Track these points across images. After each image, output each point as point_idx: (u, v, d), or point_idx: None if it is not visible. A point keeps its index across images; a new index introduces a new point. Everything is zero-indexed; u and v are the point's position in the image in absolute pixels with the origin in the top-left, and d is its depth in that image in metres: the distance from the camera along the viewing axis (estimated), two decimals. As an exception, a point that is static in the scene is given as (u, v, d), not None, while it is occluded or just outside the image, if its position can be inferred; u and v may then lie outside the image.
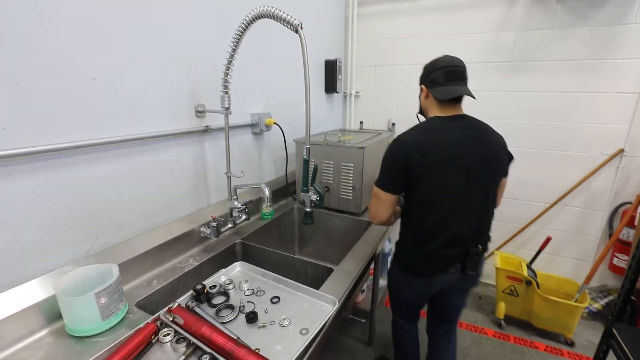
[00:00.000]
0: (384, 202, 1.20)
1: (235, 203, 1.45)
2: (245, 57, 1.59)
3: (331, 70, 2.37)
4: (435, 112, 1.22)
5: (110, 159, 1.07)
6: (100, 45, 0.99)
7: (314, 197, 1.16)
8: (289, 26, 1.05)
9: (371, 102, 2.73)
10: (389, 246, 2.39)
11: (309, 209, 1.18)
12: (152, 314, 0.93)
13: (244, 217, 1.53)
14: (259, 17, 1.09)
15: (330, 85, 2.41)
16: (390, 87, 2.63)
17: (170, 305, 0.91)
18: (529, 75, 2.20)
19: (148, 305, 1.06)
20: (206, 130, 1.41)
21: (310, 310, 0.97)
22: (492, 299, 2.48)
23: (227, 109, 1.32)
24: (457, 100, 1.21)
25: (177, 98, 1.28)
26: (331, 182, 1.79)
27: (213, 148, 1.50)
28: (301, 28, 1.04)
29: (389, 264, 2.39)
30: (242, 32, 1.15)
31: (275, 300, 1.02)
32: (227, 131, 1.37)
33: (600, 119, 2.10)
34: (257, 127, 1.70)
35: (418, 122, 1.26)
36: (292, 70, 2.02)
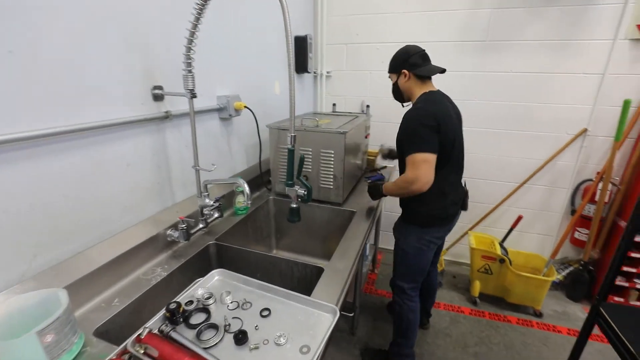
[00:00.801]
0: (432, 164, 1.32)
1: (207, 200, 1.28)
2: (210, 31, 1.37)
3: (302, 47, 2.19)
4: (418, 89, 1.45)
5: (45, 156, 0.85)
6: (17, 4, 0.75)
7: (301, 191, 1.03)
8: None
9: (343, 82, 2.59)
10: (367, 232, 2.33)
11: (294, 205, 1.05)
12: (117, 344, 0.76)
13: (216, 214, 1.36)
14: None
15: (301, 65, 2.23)
16: (362, 66, 2.50)
17: (139, 333, 0.75)
18: (502, 55, 2.19)
19: (110, 331, 0.88)
20: (166, 117, 1.20)
21: (307, 322, 0.86)
22: (466, 277, 2.55)
23: (191, 91, 1.12)
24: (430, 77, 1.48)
25: (128, 78, 1.06)
26: (310, 170, 1.66)
27: (176, 137, 1.29)
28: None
29: (367, 251, 2.35)
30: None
31: (265, 313, 0.89)
32: (192, 118, 1.17)
33: (568, 99, 2.16)
34: (226, 112, 1.51)
35: (403, 106, 1.56)
36: (261, 47, 1.82)
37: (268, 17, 1.85)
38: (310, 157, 1.63)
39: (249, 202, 1.13)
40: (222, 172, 1.61)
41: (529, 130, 2.28)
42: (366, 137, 2.09)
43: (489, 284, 2.27)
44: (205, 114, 1.45)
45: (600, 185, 2.10)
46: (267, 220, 1.80)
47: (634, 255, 2.01)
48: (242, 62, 1.67)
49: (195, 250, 1.25)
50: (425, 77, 1.44)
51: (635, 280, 2.09)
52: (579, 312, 2.24)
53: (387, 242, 2.94)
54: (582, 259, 2.28)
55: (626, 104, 1.90)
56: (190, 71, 1.10)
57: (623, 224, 2.12)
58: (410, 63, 1.43)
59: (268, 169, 1.78)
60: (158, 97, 1.18)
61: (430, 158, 1.31)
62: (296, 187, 1.03)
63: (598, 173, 2.17)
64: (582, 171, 2.27)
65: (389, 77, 1.54)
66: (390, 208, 2.81)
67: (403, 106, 1.58)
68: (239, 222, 1.52)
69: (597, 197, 2.12)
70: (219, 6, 1.41)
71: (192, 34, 1.04)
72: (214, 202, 1.34)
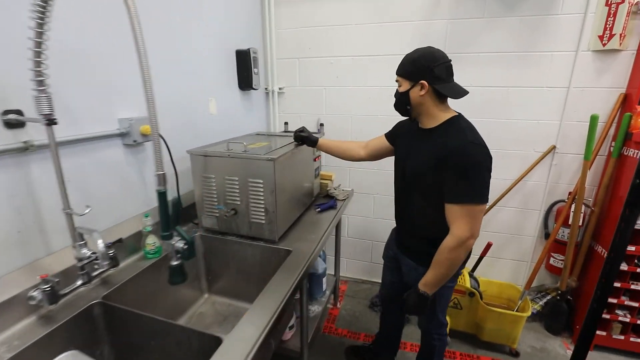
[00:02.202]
0: (481, 216, 1.10)
1: (84, 250, 1.01)
2: (111, 40, 1.14)
3: (244, 62, 1.98)
4: (436, 110, 1.16)
5: None
6: None
7: (180, 244, 0.78)
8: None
9: (297, 99, 2.39)
10: (323, 265, 2.09)
11: (174, 263, 0.80)
12: None
13: (106, 266, 1.10)
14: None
15: (245, 80, 2.02)
16: (316, 82, 2.31)
17: None
18: (461, 68, 2.02)
19: None
20: (26, 148, 0.95)
21: None
22: (436, 310, 2.31)
23: (48, 116, 0.87)
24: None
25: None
26: (238, 203, 1.42)
27: (48, 171, 1.03)
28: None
29: (323, 285, 2.09)
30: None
31: None
32: (53, 150, 0.92)
33: (533, 115, 2.00)
34: (129, 137, 1.26)
35: (402, 121, 1.37)
36: (189, 60, 1.60)
37: (198, 25, 1.64)
38: (238, 187, 1.39)
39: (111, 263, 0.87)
40: (133, 207, 1.35)
41: (495, 148, 2.05)
42: (315, 160, 1.87)
43: (460, 320, 2.03)
44: (101, 140, 1.20)
45: (573, 207, 1.92)
46: (194, 260, 1.53)
47: (615, 284, 1.81)
48: (161, 77, 1.43)
49: (71, 314, 0.98)
50: (444, 96, 1.14)
51: (618, 311, 1.90)
52: (559, 348, 2.01)
53: (352, 269, 2.69)
54: (559, 287, 2.08)
55: (593, 119, 1.74)
56: (43, 91, 0.86)
57: (600, 249, 1.94)
58: (435, 74, 1.09)
59: (194, 201, 1.53)
60: (14, 124, 0.93)
61: (483, 208, 1.10)
62: (174, 241, 0.79)
63: (570, 193, 2.00)
64: (553, 191, 2.10)
65: (397, 80, 1.19)
66: (354, 233, 2.57)
67: (412, 120, 1.28)
68: (148, 268, 1.25)
69: (570, 220, 1.94)
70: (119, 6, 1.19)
71: (39, 43, 0.80)
72: (103, 249, 1.08)
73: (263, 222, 1.40)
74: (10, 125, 0.92)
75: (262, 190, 1.35)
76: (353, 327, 2.20)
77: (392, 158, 1.41)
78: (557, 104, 1.95)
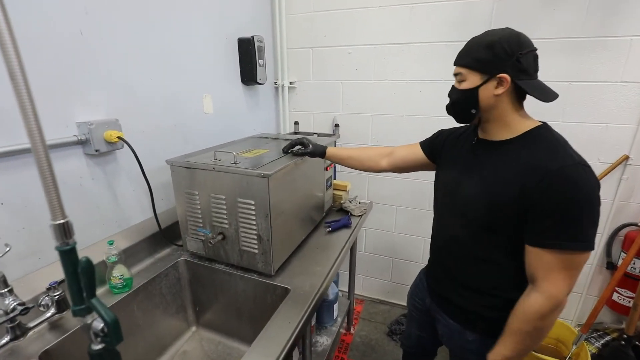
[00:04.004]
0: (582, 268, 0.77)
1: (8, 301, 0.77)
2: (62, 20, 0.89)
3: (247, 52, 1.70)
4: (513, 115, 0.83)
5: None
6: None
7: (98, 323, 0.52)
8: None
9: (310, 95, 2.09)
10: (335, 290, 1.80)
11: (96, 347, 0.54)
12: None
13: (49, 313, 0.86)
14: None
15: (248, 74, 1.74)
16: (332, 75, 1.99)
17: None
18: (510, 59, 1.65)
19: None
20: None
21: None
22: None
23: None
24: None
25: None
26: (226, 226, 1.15)
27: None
28: None
29: (335, 312, 1.81)
30: None
31: None
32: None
33: (600, 116, 1.60)
34: (90, 146, 1.02)
35: (449, 129, 1.06)
36: (176, 48, 1.33)
37: (187, 8, 1.37)
38: (225, 208, 1.12)
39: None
40: (98, 229, 1.11)
41: (548, 156, 1.72)
42: (327, 169, 1.57)
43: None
44: (52, 151, 0.96)
45: (650, 234, 1.53)
46: (178, 288, 1.29)
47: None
48: (139, 69, 1.18)
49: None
50: (524, 97, 0.84)
51: None
52: (622, 405, 1.64)
53: (369, 288, 2.39)
54: (623, 329, 1.69)
55: (690, 124, 1.34)
56: None
57: (684, 288, 1.53)
58: (522, 66, 0.77)
59: (176, 220, 1.28)
60: None
61: (585, 258, 0.76)
62: (90, 318, 0.52)
63: (645, 215, 1.60)
64: (622, 211, 1.69)
65: (457, 73, 0.87)
66: (372, 248, 2.27)
67: (475, 124, 0.93)
68: (115, 306, 1.02)
69: (645, 250, 1.55)
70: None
71: None
72: (45, 297, 0.85)
73: (256, 251, 1.13)
74: None
75: (253, 213, 1.08)
76: (366, 357, 1.92)
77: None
78: (634, 103, 1.54)
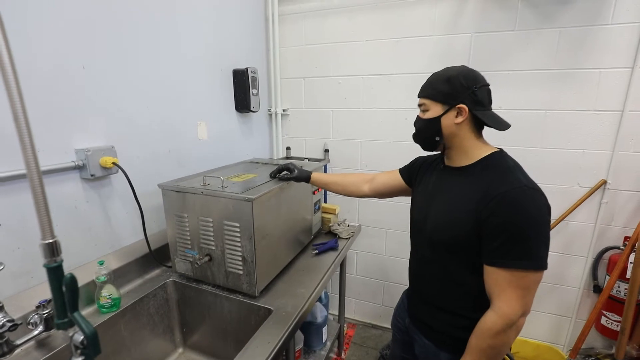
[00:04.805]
0: (536, 287, 0.81)
1: (-2, 317, 0.82)
2: (61, 49, 0.98)
3: (241, 82, 1.81)
4: (471, 142, 0.91)
5: None
6: None
7: (78, 336, 0.56)
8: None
9: (302, 122, 2.19)
10: (324, 312, 1.81)
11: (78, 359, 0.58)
12: None
13: (37, 331, 0.90)
14: None
15: (241, 102, 1.84)
16: (323, 103, 2.10)
17: None
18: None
19: None
20: None
21: None
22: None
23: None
24: None
25: None
26: (213, 248, 1.20)
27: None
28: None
29: (324, 336, 1.81)
30: None
31: None
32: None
33: (576, 143, 1.67)
34: (86, 171, 1.09)
35: (424, 156, 1.12)
36: (175, 78, 1.43)
37: (188, 41, 1.48)
38: (212, 230, 1.18)
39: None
40: (90, 250, 1.16)
41: (530, 181, 1.77)
42: (315, 193, 1.63)
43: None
44: (51, 175, 1.03)
45: (632, 257, 1.55)
46: (166, 309, 1.32)
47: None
48: (137, 99, 1.27)
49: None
50: (482, 127, 0.92)
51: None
52: None
53: (360, 312, 2.38)
54: (614, 355, 1.68)
55: (659, 151, 1.40)
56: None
57: (669, 311, 1.54)
58: (477, 98, 0.86)
59: (166, 242, 1.33)
60: None
61: (540, 277, 0.80)
62: (72, 331, 0.57)
63: (627, 239, 1.63)
64: (604, 235, 1.73)
65: (421, 104, 0.95)
66: (364, 271, 2.28)
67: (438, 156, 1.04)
68: (101, 326, 1.05)
69: (629, 274, 1.57)
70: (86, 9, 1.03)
71: None
72: (33, 314, 0.89)
73: (240, 272, 1.17)
74: None
75: (238, 235, 1.13)
76: (358, 385, 1.89)
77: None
78: (608, 130, 1.62)
